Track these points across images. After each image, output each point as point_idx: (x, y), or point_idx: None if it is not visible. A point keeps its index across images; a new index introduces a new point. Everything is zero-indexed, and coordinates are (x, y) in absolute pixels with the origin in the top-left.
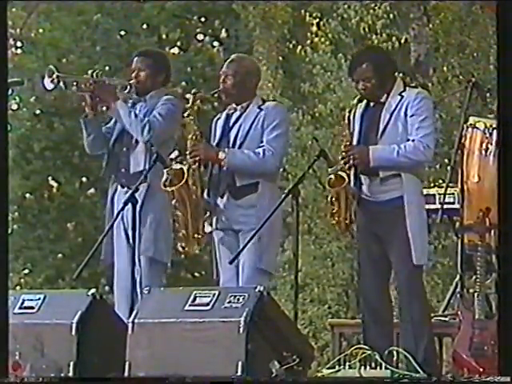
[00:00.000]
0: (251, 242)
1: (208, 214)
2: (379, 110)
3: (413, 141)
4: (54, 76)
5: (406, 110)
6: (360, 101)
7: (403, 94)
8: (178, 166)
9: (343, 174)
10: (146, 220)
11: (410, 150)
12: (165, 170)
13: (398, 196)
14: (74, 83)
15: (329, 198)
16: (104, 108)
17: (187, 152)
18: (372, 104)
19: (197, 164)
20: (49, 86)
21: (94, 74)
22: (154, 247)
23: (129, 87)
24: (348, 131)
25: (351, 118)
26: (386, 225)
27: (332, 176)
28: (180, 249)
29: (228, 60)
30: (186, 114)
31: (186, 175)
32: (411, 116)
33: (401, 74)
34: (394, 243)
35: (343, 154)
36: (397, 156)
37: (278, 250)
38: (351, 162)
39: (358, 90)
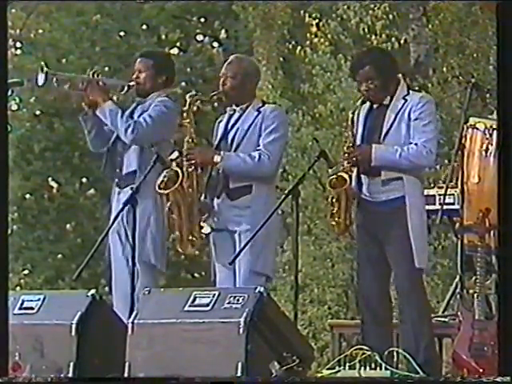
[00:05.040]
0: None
1: (206, 215)
2: (382, 112)
3: (415, 144)
4: (44, 71)
5: (410, 113)
6: (363, 102)
7: (407, 97)
8: (175, 169)
9: (345, 175)
10: (141, 223)
11: (412, 153)
12: (163, 173)
13: (398, 196)
14: (68, 82)
15: (329, 199)
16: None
17: (183, 154)
18: (375, 106)
19: (193, 167)
20: (40, 81)
21: (91, 74)
22: (144, 251)
23: (126, 88)
24: (351, 133)
25: (354, 119)
26: (386, 225)
27: (333, 177)
28: (180, 250)
29: (227, 61)
30: (183, 116)
31: (180, 178)
32: (415, 120)
33: (400, 75)
34: (394, 244)
35: (346, 154)
36: (399, 157)
37: (276, 253)
38: (353, 160)
39: (360, 92)
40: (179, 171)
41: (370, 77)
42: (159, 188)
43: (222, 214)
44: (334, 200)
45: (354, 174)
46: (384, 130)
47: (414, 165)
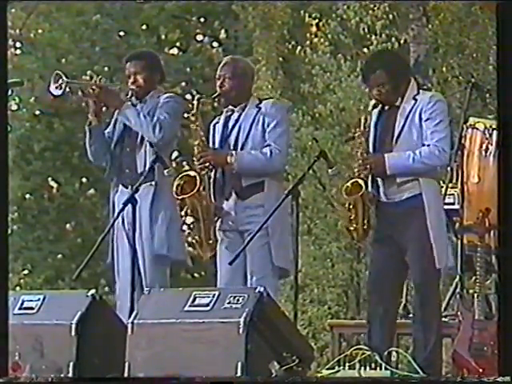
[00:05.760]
0: (261, 242)
1: (217, 218)
2: (394, 114)
3: (428, 146)
4: (61, 81)
5: (421, 114)
6: (375, 106)
7: (417, 97)
8: (192, 173)
9: (360, 181)
10: (157, 218)
11: (425, 155)
12: (177, 179)
13: (415, 194)
14: (80, 88)
15: (346, 205)
16: (110, 110)
17: (195, 158)
18: (386, 107)
19: (206, 170)
20: (55, 92)
21: (97, 80)
22: (167, 245)
23: (130, 93)
24: (363, 138)
25: (367, 124)
26: (404, 225)
27: (348, 184)
28: (201, 254)
29: (222, 63)
30: (192, 120)
31: (198, 182)
32: (426, 120)
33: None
34: (412, 244)
35: (359, 161)
36: (412, 162)
37: (291, 247)
38: (368, 170)
39: (372, 96)
40: (195, 175)
41: (382, 81)
42: (176, 194)
43: (234, 215)
44: (350, 206)
45: (369, 178)
46: (396, 133)
47: (429, 166)
